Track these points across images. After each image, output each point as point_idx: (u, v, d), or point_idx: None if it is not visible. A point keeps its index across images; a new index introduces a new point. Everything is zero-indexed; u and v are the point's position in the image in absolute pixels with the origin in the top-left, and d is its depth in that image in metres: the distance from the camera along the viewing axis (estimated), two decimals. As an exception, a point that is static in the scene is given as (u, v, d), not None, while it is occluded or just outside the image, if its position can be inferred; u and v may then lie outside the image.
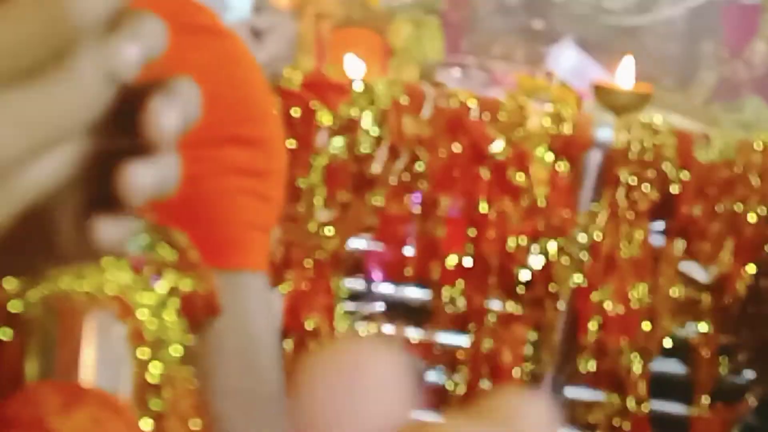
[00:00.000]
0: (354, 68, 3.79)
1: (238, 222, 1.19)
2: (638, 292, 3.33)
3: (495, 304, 3.40)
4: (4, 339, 1.00)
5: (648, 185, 3.32)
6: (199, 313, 1.11)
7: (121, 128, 0.57)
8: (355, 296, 3.52)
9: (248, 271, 1.22)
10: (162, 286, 1.08)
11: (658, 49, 5.64)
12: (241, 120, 1.18)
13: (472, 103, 3.42)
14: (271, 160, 1.22)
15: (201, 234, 1.14)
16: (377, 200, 3.36)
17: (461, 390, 3.44)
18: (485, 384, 3.39)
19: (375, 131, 3.31)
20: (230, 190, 1.17)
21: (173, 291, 1.09)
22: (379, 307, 3.51)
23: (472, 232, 3.32)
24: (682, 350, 3.51)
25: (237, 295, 1.19)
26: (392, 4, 5.28)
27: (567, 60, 4.35)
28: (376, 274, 3.46)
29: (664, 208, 3.41)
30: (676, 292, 3.40)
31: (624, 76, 3.43)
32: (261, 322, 1.22)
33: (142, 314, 1.05)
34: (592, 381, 3.45)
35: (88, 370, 1.00)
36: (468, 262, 3.34)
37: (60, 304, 1.01)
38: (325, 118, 3.28)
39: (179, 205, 1.15)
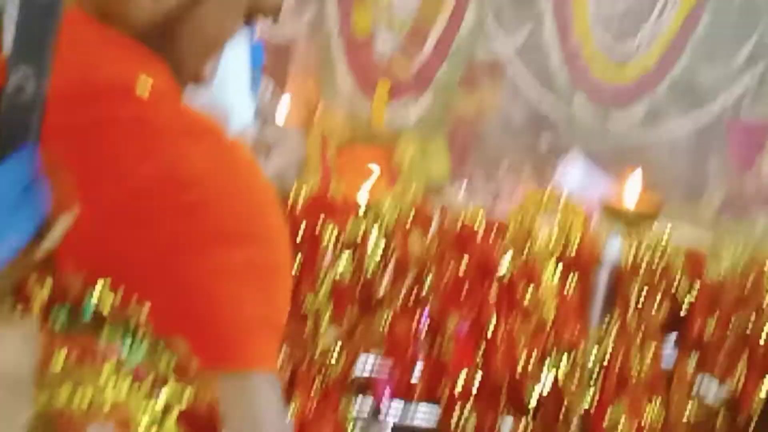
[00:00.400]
0: (361, 187, 3.78)
1: (244, 318, 1.14)
2: (651, 411, 3.26)
3: (507, 423, 3.34)
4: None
5: (658, 301, 3.28)
6: (200, 425, 1.07)
7: None
8: (364, 418, 3.46)
9: (257, 372, 1.15)
10: (161, 398, 1.05)
11: (665, 166, 5.65)
12: (244, 218, 1.16)
13: (479, 221, 3.39)
14: (275, 255, 1.20)
15: (206, 334, 1.11)
16: (385, 319, 3.32)
17: None
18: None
19: (381, 250, 3.28)
20: (234, 286, 1.14)
21: (173, 402, 1.05)
22: (389, 428, 3.45)
23: (481, 351, 3.27)
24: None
25: (246, 399, 1.13)
26: (398, 121, 5.31)
27: (575, 174, 4.34)
28: (385, 394, 3.41)
29: (675, 324, 3.37)
30: (689, 411, 3.33)
31: (632, 192, 3.41)
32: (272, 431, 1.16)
33: (141, 427, 1.02)
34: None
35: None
36: (478, 380, 3.28)
37: (59, 418, 0.98)
38: (331, 237, 3.26)
39: (181, 306, 1.12)
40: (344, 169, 5.27)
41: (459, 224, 3.42)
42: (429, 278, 3.36)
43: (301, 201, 3.41)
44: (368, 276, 3.37)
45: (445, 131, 5.37)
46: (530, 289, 3.27)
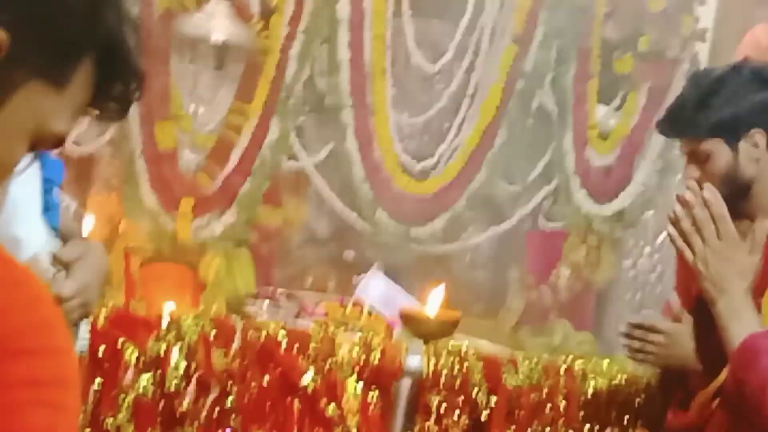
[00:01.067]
0: (163, 304, 3.76)
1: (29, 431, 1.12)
2: None
3: None
4: None
5: (458, 411, 3.34)
6: None
7: None
8: None
9: None
10: None
11: (466, 276, 5.79)
12: (26, 332, 1.15)
13: (282, 335, 3.40)
14: (62, 369, 1.19)
15: None
16: (188, 437, 3.28)
17: None
18: None
19: (183, 367, 3.26)
20: (20, 403, 1.12)
21: None
22: None
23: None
24: None
25: None
26: (203, 236, 5.30)
27: (375, 288, 4.41)
28: None
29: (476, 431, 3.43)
30: None
31: (432, 304, 3.48)
32: None
33: None
34: None
35: None
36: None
37: None
38: (132, 355, 3.22)
39: None
40: (148, 285, 5.22)
41: (262, 339, 3.43)
42: (232, 393, 3.35)
43: (102, 317, 3.37)
44: (170, 393, 3.34)
45: (250, 245, 5.38)
46: (333, 403, 3.29)
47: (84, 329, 2.79)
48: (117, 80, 1.32)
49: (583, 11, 5.46)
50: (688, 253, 2.51)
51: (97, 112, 1.33)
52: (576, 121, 5.53)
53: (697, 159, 2.91)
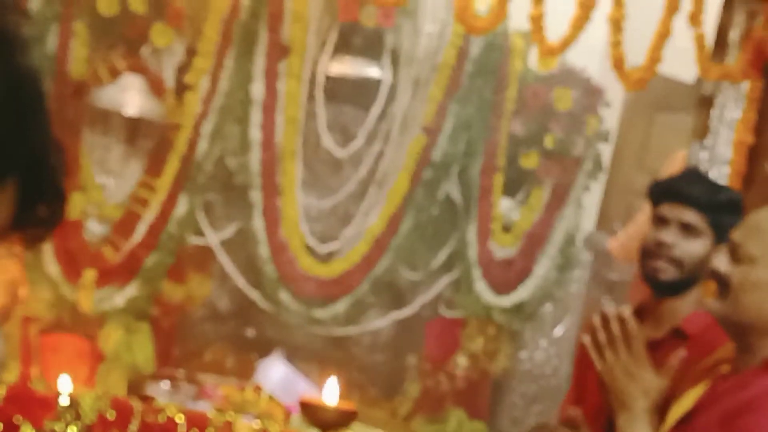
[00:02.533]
0: (62, 381, 3.74)
1: None
2: None
3: None
4: None
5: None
6: None
7: None
8: None
9: None
10: None
11: (365, 359, 5.82)
12: None
13: (180, 419, 3.41)
14: None
15: None
16: None
17: None
18: None
19: (80, 447, 3.25)
20: None
21: None
22: None
23: None
24: None
25: None
26: (104, 308, 5.28)
27: (275, 374, 4.43)
28: None
29: None
30: None
31: (330, 393, 3.51)
32: None
33: None
34: None
35: None
36: None
37: None
38: (28, 432, 3.20)
39: None
40: (46, 355, 5.18)
41: (161, 421, 3.43)
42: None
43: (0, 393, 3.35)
44: (64, 473, 3.32)
45: (151, 319, 5.37)
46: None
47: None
48: (40, 202, 1.31)
49: (492, 106, 5.59)
50: (598, 363, 2.60)
51: (19, 234, 1.33)
52: (480, 213, 5.64)
53: (686, 230, 3.03)
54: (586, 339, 2.66)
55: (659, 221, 3.12)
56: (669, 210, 3.09)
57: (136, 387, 4.61)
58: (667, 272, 3.05)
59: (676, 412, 2.57)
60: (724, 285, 2.44)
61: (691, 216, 3.06)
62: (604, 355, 2.62)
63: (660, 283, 3.09)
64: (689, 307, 3.12)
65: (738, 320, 2.40)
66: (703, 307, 3.15)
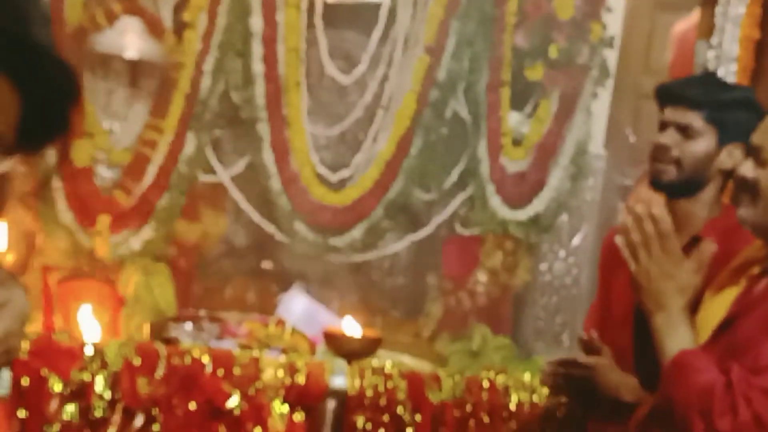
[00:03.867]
0: (86, 328, 3.75)
1: None
2: None
3: None
4: None
5: (384, 430, 3.38)
6: None
7: None
8: None
9: None
10: None
11: (384, 284, 5.84)
12: None
13: (206, 359, 3.43)
14: None
15: None
16: (114, 464, 3.29)
17: None
18: None
19: (108, 395, 3.27)
20: None
21: None
22: None
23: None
24: None
25: None
26: (121, 252, 5.29)
27: (297, 307, 4.44)
28: None
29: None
30: None
31: (353, 324, 3.52)
32: None
33: None
34: None
35: None
36: None
37: None
38: (56, 385, 3.22)
39: None
40: (66, 302, 5.20)
41: (187, 363, 3.44)
42: (158, 420, 3.36)
43: (24, 348, 3.36)
44: (96, 421, 3.35)
45: (168, 260, 5.38)
46: (259, 426, 3.32)
47: (6, 376, 2.79)
48: (43, 113, 1.29)
49: (493, 21, 5.53)
50: (632, 264, 2.59)
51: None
52: (490, 129, 5.60)
53: (684, 131, 3.04)
54: (619, 240, 2.65)
55: (662, 125, 3.13)
56: (669, 113, 3.11)
57: (159, 330, 4.62)
58: (668, 173, 3.09)
59: (711, 315, 2.56)
60: (752, 191, 2.41)
61: (688, 117, 3.07)
62: (638, 255, 2.60)
63: (663, 185, 3.11)
64: (704, 209, 3.13)
65: None
66: (719, 209, 3.15)
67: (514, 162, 5.69)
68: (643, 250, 2.57)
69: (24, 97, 1.26)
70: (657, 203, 2.66)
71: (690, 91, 3.08)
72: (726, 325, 2.46)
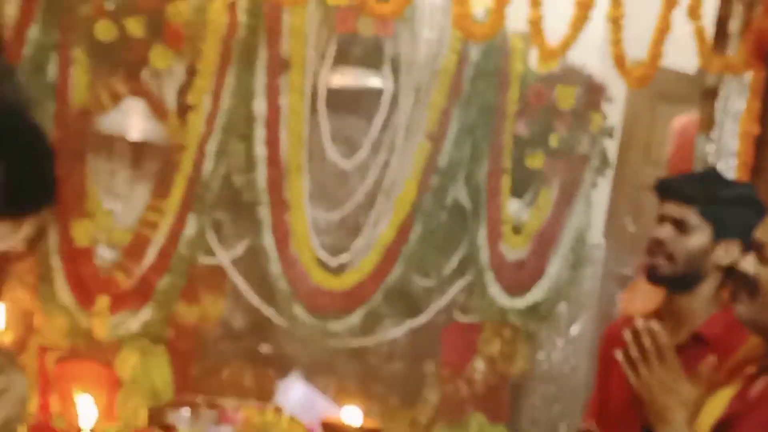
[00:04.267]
0: (83, 414, 3.74)
1: None
2: None
3: None
4: None
5: None
6: None
7: None
8: None
9: None
10: None
11: (382, 370, 5.81)
12: None
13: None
14: None
15: None
16: None
17: None
18: None
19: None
20: None
21: None
22: None
23: None
24: None
25: None
26: (119, 333, 5.27)
27: (295, 394, 4.42)
28: None
29: None
30: None
31: (354, 412, 3.51)
32: None
33: None
34: None
35: None
36: None
37: None
38: (52, 470, 3.20)
39: None
40: (64, 384, 5.17)
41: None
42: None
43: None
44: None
45: (167, 341, 5.37)
46: None
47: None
48: (28, 181, 1.30)
49: (494, 109, 5.58)
50: (633, 379, 2.59)
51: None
52: (489, 216, 5.62)
53: (679, 226, 3.07)
54: (619, 355, 2.65)
55: (659, 218, 3.16)
56: (666, 207, 3.14)
57: (157, 417, 4.59)
58: (662, 267, 3.11)
59: (708, 416, 2.55)
60: (752, 287, 2.42)
61: (683, 212, 3.10)
62: (639, 370, 2.60)
63: (658, 278, 3.14)
64: (703, 305, 3.13)
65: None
66: (718, 305, 3.16)
67: (514, 250, 5.71)
68: (642, 364, 2.58)
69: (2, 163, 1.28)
70: (653, 322, 2.67)
71: (687, 186, 3.11)
72: (723, 427, 2.45)
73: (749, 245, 2.56)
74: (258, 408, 4.50)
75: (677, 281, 3.11)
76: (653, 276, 3.15)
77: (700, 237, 3.10)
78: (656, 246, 3.13)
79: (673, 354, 2.60)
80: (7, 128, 1.33)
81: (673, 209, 3.12)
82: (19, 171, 1.32)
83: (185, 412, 4.41)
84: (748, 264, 2.45)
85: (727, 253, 3.10)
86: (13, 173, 1.31)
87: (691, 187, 3.13)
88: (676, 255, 3.10)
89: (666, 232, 3.11)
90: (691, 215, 3.10)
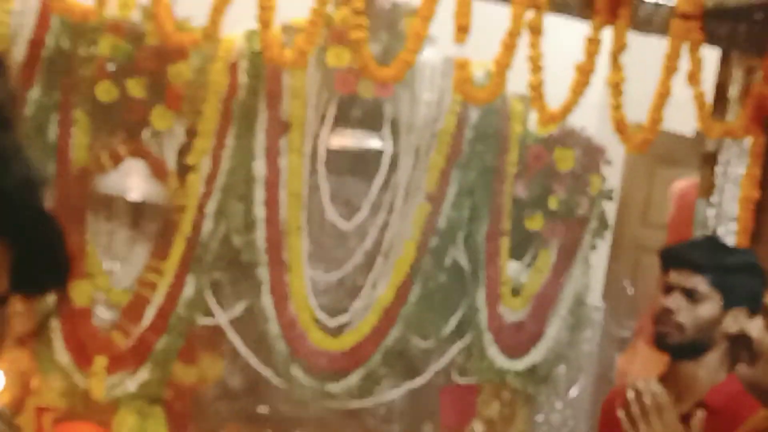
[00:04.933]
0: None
1: None
2: None
3: None
4: None
5: None
6: None
7: None
8: None
9: None
10: None
11: (381, 431, 5.78)
12: None
13: None
14: None
15: None
16: None
17: None
18: None
19: None
20: None
21: None
22: None
23: None
24: None
25: None
26: (116, 394, 5.25)
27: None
28: None
29: None
30: None
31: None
32: None
33: None
34: None
35: None
36: None
37: None
38: None
39: None
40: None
41: None
42: None
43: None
44: None
45: (164, 402, 5.34)
46: None
47: None
48: (37, 265, 1.31)
49: (494, 171, 5.59)
50: None
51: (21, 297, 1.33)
52: (488, 278, 5.62)
53: (689, 295, 3.06)
54: (621, 414, 2.65)
55: (666, 288, 3.15)
56: (674, 276, 3.13)
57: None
58: (673, 336, 3.09)
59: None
60: (754, 351, 2.42)
61: (693, 281, 3.09)
62: (639, 428, 2.61)
63: (668, 347, 3.12)
64: (709, 373, 3.12)
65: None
66: (724, 374, 3.15)
67: (513, 312, 5.70)
68: (642, 422, 2.60)
69: (13, 248, 1.28)
70: (654, 382, 2.67)
71: (695, 254, 3.11)
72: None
73: (755, 312, 2.56)
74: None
75: (685, 349, 3.11)
76: (662, 344, 3.14)
77: (710, 306, 3.09)
78: (666, 315, 3.12)
79: (672, 412, 2.60)
80: (20, 207, 1.34)
81: (683, 278, 3.11)
82: (32, 250, 1.33)
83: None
84: (754, 329, 2.45)
85: (736, 321, 3.10)
86: (27, 253, 1.32)
87: (700, 255, 3.13)
88: (687, 324, 3.09)
89: (676, 301, 3.10)
90: (701, 283, 3.09)
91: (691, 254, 3.13)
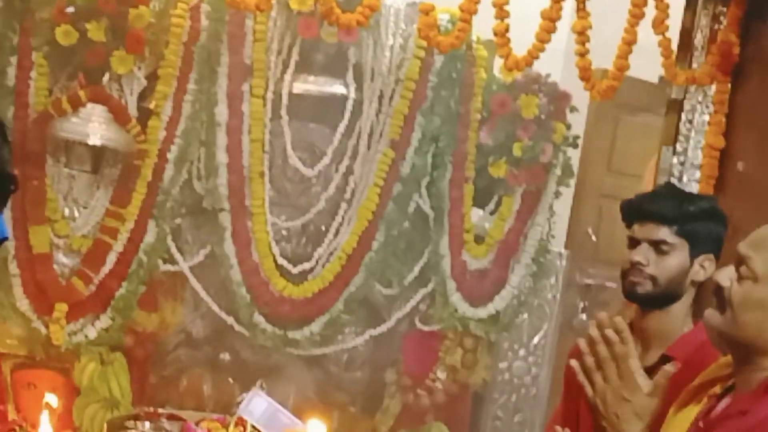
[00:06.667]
0: (44, 421, 3.69)
1: None
2: None
3: None
4: None
5: None
6: None
7: None
8: None
9: None
10: None
11: (343, 378, 5.78)
12: None
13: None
14: None
15: None
16: None
17: None
18: None
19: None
20: None
21: None
22: None
23: None
24: None
25: None
26: (77, 341, 5.21)
27: (258, 408, 4.38)
28: None
29: None
30: None
31: (316, 427, 3.47)
32: None
33: None
34: None
35: None
36: None
37: None
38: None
39: None
40: (20, 391, 5.10)
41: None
42: None
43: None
44: None
45: (125, 349, 5.31)
46: None
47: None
48: None
49: (458, 117, 5.56)
50: (588, 389, 2.55)
51: None
52: (452, 225, 5.60)
53: (657, 248, 3.04)
54: (575, 364, 2.60)
55: (632, 241, 3.13)
56: (639, 229, 3.11)
57: (116, 429, 4.53)
58: (644, 285, 3.08)
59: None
60: (724, 299, 2.38)
61: (660, 232, 3.07)
62: (594, 379, 2.56)
63: (638, 297, 3.11)
64: (677, 322, 3.11)
65: (736, 336, 2.35)
66: (691, 323, 3.14)
67: (476, 259, 5.69)
68: (597, 374, 2.54)
69: None
70: (618, 321, 2.62)
71: (659, 206, 3.09)
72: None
73: (718, 257, 2.54)
74: (221, 421, 4.46)
75: (656, 300, 3.09)
76: (632, 294, 3.11)
77: (679, 255, 3.08)
78: (636, 269, 3.09)
79: (628, 362, 2.55)
80: None
81: (648, 230, 3.09)
82: None
83: (146, 425, 4.35)
84: (723, 277, 2.41)
85: (703, 268, 3.09)
86: None
87: (665, 207, 3.11)
88: (659, 276, 3.08)
89: (645, 254, 3.08)
90: (668, 234, 3.08)
91: (654, 206, 3.11)
